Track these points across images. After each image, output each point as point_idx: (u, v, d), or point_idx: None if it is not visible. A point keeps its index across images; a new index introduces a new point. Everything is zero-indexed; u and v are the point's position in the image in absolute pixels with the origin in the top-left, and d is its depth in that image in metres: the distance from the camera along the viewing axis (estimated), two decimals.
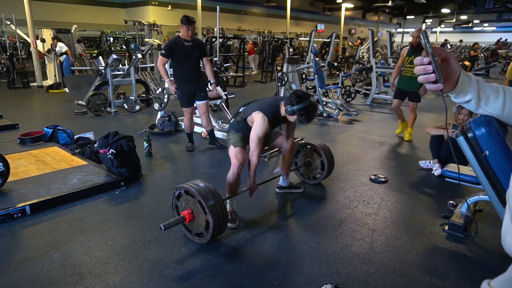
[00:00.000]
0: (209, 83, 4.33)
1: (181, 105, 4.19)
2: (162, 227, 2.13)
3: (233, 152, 2.65)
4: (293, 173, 3.57)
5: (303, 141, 3.69)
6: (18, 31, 10.42)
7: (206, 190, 2.20)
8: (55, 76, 9.75)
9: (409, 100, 4.72)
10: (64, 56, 9.42)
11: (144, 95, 7.24)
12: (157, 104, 5.25)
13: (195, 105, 4.25)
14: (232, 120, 2.83)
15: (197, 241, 2.31)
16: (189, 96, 4.10)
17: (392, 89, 5.14)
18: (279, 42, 12.98)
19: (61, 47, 9.42)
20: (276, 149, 3.21)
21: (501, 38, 21.35)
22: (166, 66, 5.43)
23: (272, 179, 3.10)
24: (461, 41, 19.97)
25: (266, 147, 3.98)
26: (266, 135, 2.70)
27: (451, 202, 2.93)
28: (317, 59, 6.75)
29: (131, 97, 6.70)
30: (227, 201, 2.64)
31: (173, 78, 4.14)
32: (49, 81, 9.94)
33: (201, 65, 4.28)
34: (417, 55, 4.28)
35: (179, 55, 3.94)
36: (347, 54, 16.23)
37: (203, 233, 2.25)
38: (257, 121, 2.50)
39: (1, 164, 2.90)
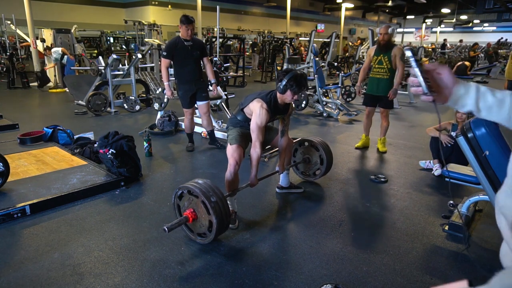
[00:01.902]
0: (209, 83, 4.33)
1: (182, 106, 4.20)
2: (166, 229, 2.10)
3: (230, 150, 2.62)
4: (293, 173, 3.57)
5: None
6: (18, 31, 10.42)
7: (208, 189, 2.16)
8: (55, 76, 9.76)
9: (380, 107, 4.26)
10: (65, 57, 9.41)
11: (144, 95, 7.24)
12: (157, 104, 5.25)
13: (195, 105, 4.25)
14: (230, 116, 2.83)
15: (199, 241, 2.30)
16: (191, 97, 4.09)
17: (359, 95, 4.60)
18: (279, 42, 12.98)
19: (56, 51, 9.38)
20: (277, 148, 3.21)
21: (501, 38, 21.34)
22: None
23: (273, 174, 3.09)
24: (461, 41, 19.96)
25: (268, 146, 3.98)
26: (265, 131, 2.69)
27: (451, 202, 2.93)
28: (317, 59, 6.75)
29: (131, 97, 6.70)
30: (228, 201, 2.64)
31: (173, 78, 4.12)
32: (50, 82, 9.93)
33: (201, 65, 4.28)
34: (385, 54, 4.07)
35: (179, 55, 3.93)
36: (347, 54, 16.23)
37: (206, 233, 2.23)
38: (256, 110, 2.48)
39: (1, 164, 2.90)
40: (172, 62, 4.00)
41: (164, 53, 3.94)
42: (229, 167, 2.58)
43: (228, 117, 5.08)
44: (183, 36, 3.87)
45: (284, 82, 2.43)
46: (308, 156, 3.31)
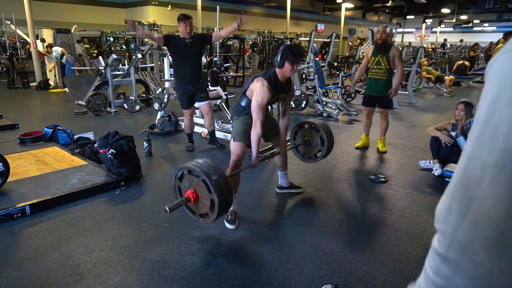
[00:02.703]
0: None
1: (181, 107, 4.16)
2: (167, 209, 2.02)
3: (233, 146, 2.59)
4: (293, 174, 3.57)
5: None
6: (18, 31, 10.42)
7: (209, 168, 2.06)
8: (55, 76, 9.76)
9: (380, 107, 4.29)
10: (65, 57, 9.43)
11: (144, 95, 7.24)
12: (157, 104, 5.25)
13: (196, 105, 4.23)
14: (234, 104, 2.75)
15: (201, 222, 2.19)
16: (189, 98, 4.06)
17: (351, 91, 4.55)
18: (279, 42, 12.98)
19: (56, 50, 9.40)
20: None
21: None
22: (166, 66, 5.43)
23: (274, 154, 3.05)
24: (461, 41, 19.96)
25: (268, 146, 3.96)
26: (266, 125, 2.65)
27: None
28: (317, 59, 6.75)
29: (131, 97, 6.70)
30: None
31: (173, 79, 4.09)
32: (50, 81, 9.93)
33: (202, 65, 4.23)
34: (383, 54, 4.05)
35: (179, 52, 3.89)
36: (347, 55, 16.24)
37: (208, 213, 2.12)
38: (257, 88, 2.43)
39: (1, 164, 2.90)
40: (171, 60, 3.96)
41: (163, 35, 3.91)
42: (231, 163, 2.56)
43: (228, 117, 5.08)
44: (182, 34, 3.85)
45: (280, 55, 2.40)
46: (309, 138, 3.22)
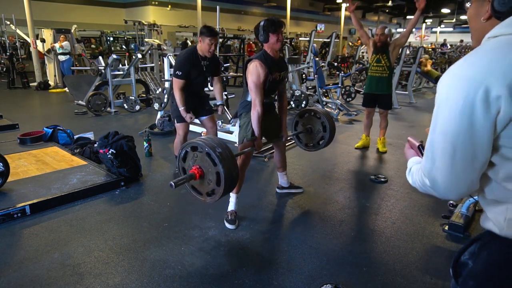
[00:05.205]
0: (216, 105, 3.59)
1: (176, 121, 3.35)
2: (173, 184, 1.94)
3: (240, 148, 2.62)
4: (293, 174, 3.58)
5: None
6: (18, 31, 10.42)
7: (212, 142, 2.00)
8: (55, 76, 9.76)
9: (380, 108, 4.31)
10: (67, 56, 9.42)
11: (144, 95, 7.24)
12: (157, 104, 5.25)
13: (198, 121, 3.67)
14: (240, 100, 2.73)
15: (209, 201, 2.10)
16: (190, 106, 3.27)
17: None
18: None
19: (66, 44, 9.41)
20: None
21: None
22: (166, 66, 5.41)
23: (277, 140, 3.01)
24: (461, 41, 19.95)
25: (268, 147, 3.92)
26: (268, 126, 2.66)
27: (451, 202, 2.93)
28: (317, 59, 6.76)
29: (131, 97, 6.70)
30: (229, 202, 2.64)
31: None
32: (50, 82, 9.93)
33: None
34: (383, 54, 4.09)
35: (192, 74, 3.15)
36: (347, 54, 16.24)
37: (215, 188, 2.03)
38: (250, 69, 2.44)
39: (1, 164, 2.90)
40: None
41: (179, 73, 3.05)
42: (238, 159, 2.57)
43: (228, 117, 5.08)
44: (202, 52, 3.08)
45: (262, 31, 2.41)
46: (310, 126, 3.17)
